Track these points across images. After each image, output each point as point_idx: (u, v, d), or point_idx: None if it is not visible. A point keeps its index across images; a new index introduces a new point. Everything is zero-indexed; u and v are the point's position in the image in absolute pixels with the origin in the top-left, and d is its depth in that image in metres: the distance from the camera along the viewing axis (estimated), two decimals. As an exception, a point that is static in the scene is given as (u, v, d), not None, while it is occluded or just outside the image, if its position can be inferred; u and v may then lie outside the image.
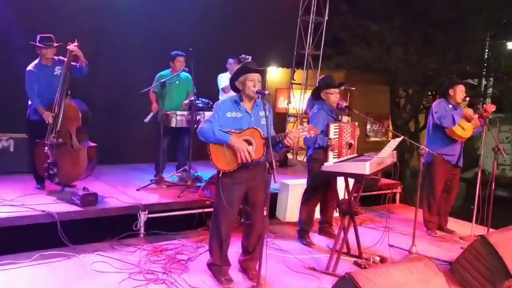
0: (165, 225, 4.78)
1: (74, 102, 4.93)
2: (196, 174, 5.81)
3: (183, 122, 5.58)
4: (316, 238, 4.96)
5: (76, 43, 4.84)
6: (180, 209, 4.96)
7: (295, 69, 9.31)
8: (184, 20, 7.13)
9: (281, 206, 5.65)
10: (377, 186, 6.43)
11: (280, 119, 9.49)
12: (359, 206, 5.35)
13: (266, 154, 3.45)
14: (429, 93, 12.64)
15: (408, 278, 2.93)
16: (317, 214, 5.01)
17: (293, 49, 8.93)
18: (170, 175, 5.81)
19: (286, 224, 5.44)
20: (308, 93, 8.35)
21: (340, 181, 4.54)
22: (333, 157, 4.62)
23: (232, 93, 5.08)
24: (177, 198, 5.08)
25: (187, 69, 5.78)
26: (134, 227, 4.62)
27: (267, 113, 3.45)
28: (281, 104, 10.93)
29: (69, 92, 4.91)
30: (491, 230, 4.90)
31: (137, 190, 5.32)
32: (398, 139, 4.31)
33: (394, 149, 4.39)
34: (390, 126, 12.92)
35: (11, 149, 5.91)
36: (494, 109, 5.09)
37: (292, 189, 5.55)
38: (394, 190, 6.73)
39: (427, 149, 4.78)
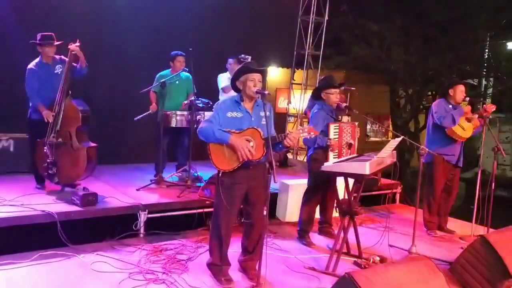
0: (165, 225, 4.78)
1: (74, 102, 4.93)
2: (196, 174, 5.82)
3: (183, 122, 5.59)
4: (316, 238, 4.96)
5: (78, 43, 4.85)
6: (180, 209, 4.96)
7: (295, 69, 9.31)
8: (184, 20, 7.13)
9: (281, 206, 5.65)
10: (377, 186, 6.43)
11: (280, 119, 9.49)
12: (359, 206, 5.37)
13: (266, 154, 3.45)
14: (429, 93, 12.66)
15: (408, 278, 2.93)
16: (317, 214, 5.01)
17: (293, 49, 8.93)
18: (170, 175, 5.81)
19: (286, 224, 5.44)
20: (308, 93, 8.36)
21: (340, 181, 4.54)
22: (333, 157, 4.62)
23: (231, 93, 5.07)
24: (177, 198, 5.08)
25: (187, 69, 5.79)
26: (134, 227, 4.62)
27: (267, 113, 3.46)
28: (281, 104, 10.93)
29: (70, 92, 4.91)
30: (491, 230, 4.89)
31: (137, 190, 5.32)
32: (398, 139, 4.31)
33: (394, 149, 4.39)
34: (390, 126, 12.92)
35: (11, 149, 5.91)
36: (494, 109, 5.09)
37: (292, 189, 5.55)
38: (394, 190, 6.73)
39: (427, 149, 4.79)
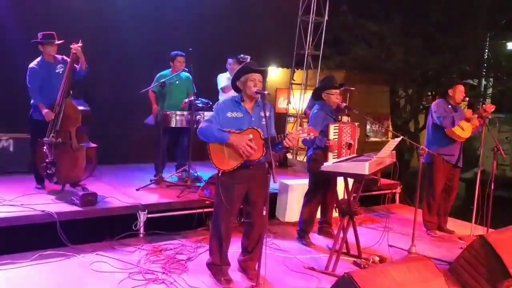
0: (164, 225, 4.78)
1: (75, 102, 4.92)
2: (195, 174, 5.82)
3: (183, 122, 5.59)
4: (315, 238, 4.96)
5: (80, 44, 4.85)
6: (179, 209, 4.96)
7: (295, 69, 9.30)
8: (184, 20, 7.13)
9: (281, 206, 5.65)
10: (376, 186, 6.44)
11: (280, 119, 9.48)
12: (358, 206, 5.37)
13: (265, 154, 3.45)
14: (429, 93, 12.65)
15: (407, 278, 2.94)
16: (317, 214, 5.01)
17: (293, 49, 8.92)
18: (170, 175, 5.81)
19: (285, 224, 5.44)
20: (308, 93, 8.36)
21: (340, 181, 4.54)
22: (333, 157, 4.62)
23: (231, 93, 5.07)
24: (176, 198, 5.08)
25: (187, 69, 5.79)
26: (133, 227, 4.62)
27: (268, 113, 3.46)
28: (281, 104, 10.92)
29: (71, 92, 4.91)
30: (490, 230, 4.89)
31: (137, 190, 5.32)
32: (397, 139, 4.32)
33: (394, 149, 4.39)
34: (390, 126, 12.92)
35: (11, 149, 5.91)
36: (494, 109, 5.10)
37: (292, 189, 5.55)
38: (394, 190, 6.73)
39: (427, 149, 4.79)
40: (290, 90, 9.40)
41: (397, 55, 11.71)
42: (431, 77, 12.00)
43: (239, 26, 7.72)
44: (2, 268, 3.68)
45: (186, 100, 5.77)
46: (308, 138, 3.74)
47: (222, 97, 6.28)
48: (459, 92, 5.18)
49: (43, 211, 4.23)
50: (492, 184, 4.89)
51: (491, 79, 12.84)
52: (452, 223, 5.69)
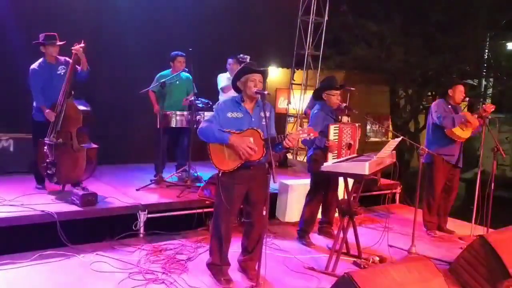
0: (164, 225, 4.78)
1: (76, 103, 4.90)
2: (195, 174, 5.82)
3: (183, 122, 5.59)
4: (315, 238, 4.97)
5: (82, 44, 4.85)
6: (179, 209, 4.96)
7: (295, 70, 9.30)
8: (184, 20, 7.13)
9: (281, 206, 5.65)
10: (376, 186, 6.44)
11: (280, 120, 9.48)
12: (358, 206, 5.37)
13: (266, 154, 3.45)
14: (429, 93, 12.65)
15: (407, 278, 2.94)
16: (317, 214, 5.02)
17: (293, 49, 8.92)
18: (170, 175, 5.81)
19: (285, 224, 5.44)
20: (308, 93, 8.37)
21: (340, 181, 4.54)
22: (333, 158, 4.62)
23: (230, 93, 5.07)
24: (176, 198, 5.08)
25: (187, 69, 5.79)
26: (133, 227, 4.62)
27: (268, 113, 3.45)
28: (281, 104, 10.92)
29: (72, 93, 4.90)
30: (490, 230, 4.90)
31: (137, 190, 5.32)
32: (397, 139, 4.32)
33: (394, 149, 4.39)
34: (390, 126, 12.92)
35: (11, 149, 5.91)
36: (494, 109, 5.10)
37: (292, 190, 5.55)
38: (394, 190, 6.73)
39: (427, 150, 4.79)
40: (290, 90, 9.41)
41: (397, 55, 11.71)
42: (431, 77, 12.01)
43: (239, 26, 7.72)
44: (2, 268, 3.68)
45: (188, 97, 5.76)
46: (308, 138, 3.74)
47: (222, 97, 6.29)
48: (459, 92, 5.19)
49: (43, 211, 4.23)
50: (492, 184, 4.89)
51: (491, 79, 12.85)
52: (452, 223, 5.69)
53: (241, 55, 6.16)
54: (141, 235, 4.65)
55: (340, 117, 4.92)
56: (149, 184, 5.53)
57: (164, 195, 5.18)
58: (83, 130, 4.97)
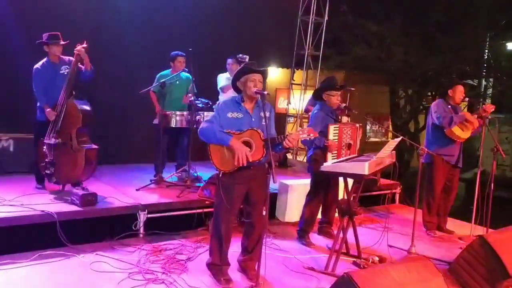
0: (164, 225, 4.78)
1: (77, 103, 4.88)
2: (195, 174, 5.82)
3: (183, 122, 5.59)
4: (315, 238, 4.97)
5: (84, 45, 4.86)
6: (179, 209, 4.96)
7: (295, 70, 9.31)
8: (184, 20, 7.13)
9: (281, 206, 5.65)
10: (376, 186, 6.45)
11: (280, 120, 9.49)
12: (358, 206, 5.37)
13: (266, 155, 3.46)
14: (429, 93, 12.66)
15: (407, 278, 2.94)
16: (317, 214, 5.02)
17: (293, 49, 8.92)
18: (170, 175, 5.81)
19: (285, 224, 5.44)
20: (308, 93, 8.37)
21: (340, 181, 4.54)
22: (332, 158, 4.63)
23: (230, 93, 5.07)
24: (176, 198, 5.08)
25: (187, 69, 5.79)
26: (133, 227, 4.62)
27: (267, 113, 3.46)
28: (281, 104, 10.93)
29: (73, 93, 4.90)
30: (490, 230, 4.90)
31: (137, 190, 5.32)
32: (397, 140, 4.32)
33: (393, 150, 4.39)
34: (390, 126, 12.92)
35: (11, 149, 5.91)
36: (493, 110, 5.10)
37: (292, 190, 5.55)
38: (394, 191, 6.73)
39: (426, 150, 4.80)
40: (290, 90, 9.41)
41: (397, 55, 11.71)
42: (431, 77, 12.01)
43: (239, 26, 7.72)
44: (2, 268, 3.68)
45: (189, 95, 5.75)
46: (308, 138, 3.74)
47: (221, 97, 6.29)
48: (459, 92, 5.19)
49: (43, 211, 4.23)
50: (492, 184, 4.89)
51: (491, 79, 12.85)
52: (452, 223, 5.69)
53: (240, 55, 6.16)
54: (141, 235, 4.65)
55: (340, 117, 4.93)
56: (149, 184, 5.53)
57: (164, 195, 5.19)
58: (84, 130, 4.95)
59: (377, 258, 4.33)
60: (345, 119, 5.07)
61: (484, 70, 12.43)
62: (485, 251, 3.80)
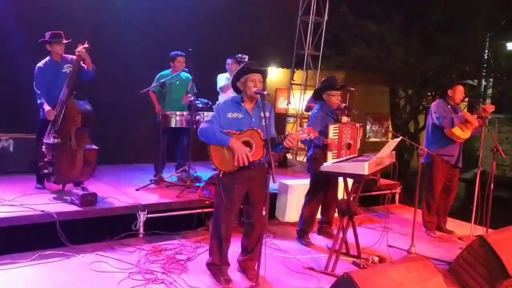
0: (164, 225, 4.78)
1: (77, 103, 4.86)
2: (195, 174, 5.82)
3: (183, 122, 5.59)
4: (315, 238, 4.97)
5: (86, 45, 4.86)
6: (179, 209, 4.96)
7: (295, 70, 9.31)
8: (184, 21, 7.13)
9: (281, 206, 5.65)
10: (376, 186, 6.45)
11: (280, 120, 9.49)
12: (357, 207, 5.37)
13: (266, 155, 3.46)
14: (429, 93, 12.66)
15: (407, 278, 2.94)
16: (317, 214, 5.02)
17: (292, 49, 8.92)
18: (170, 175, 5.81)
19: (285, 224, 5.44)
20: (308, 93, 8.37)
21: (339, 181, 4.54)
22: (332, 157, 4.63)
23: (229, 93, 5.06)
24: (176, 198, 5.08)
25: (187, 69, 5.79)
26: (133, 227, 4.62)
27: (267, 113, 3.46)
28: (281, 104, 10.94)
29: (74, 93, 4.89)
30: (490, 230, 4.90)
31: (137, 190, 5.32)
32: (397, 140, 4.32)
33: (393, 150, 4.40)
34: (390, 126, 12.93)
35: (11, 149, 5.91)
36: (493, 110, 5.10)
37: (292, 190, 5.55)
38: (394, 191, 6.74)
39: (426, 150, 4.80)
40: (290, 91, 9.41)
41: (397, 55, 11.72)
42: (431, 77, 12.00)
43: (239, 26, 7.73)
44: (2, 268, 3.68)
45: (189, 95, 5.75)
46: (308, 138, 3.74)
47: (221, 97, 6.30)
48: (459, 92, 5.19)
49: (43, 211, 4.22)
50: (492, 184, 4.89)
51: (491, 80, 12.84)
52: (452, 223, 5.69)
53: (240, 55, 6.16)
54: (141, 235, 4.65)
55: (340, 117, 4.93)
56: (148, 184, 5.53)
57: (164, 195, 5.19)
58: (84, 130, 4.93)
59: (377, 258, 4.33)
60: (345, 119, 5.07)
61: (484, 70, 12.43)
62: (485, 251, 3.80)
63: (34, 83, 4.94)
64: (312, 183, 4.88)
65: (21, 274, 3.64)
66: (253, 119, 3.57)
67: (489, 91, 12.98)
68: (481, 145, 5.14)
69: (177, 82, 5.84)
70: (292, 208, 5.48)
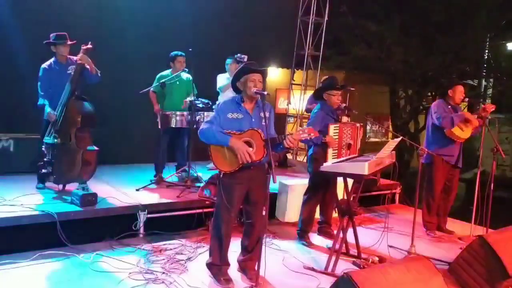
0: (164, 225, 4.79)
1: (77, 104, 4.86)
2: (195, 174, 5.82)
3: (183, 123, 5.59)
4: (315, 238, 4.97)
5: (89, 46, 4.86)
6: (179, 209, 4.96)
7: (295, 70, 9.32)
8: (184, 21, 7.14)
9: (281, 206, 5.66)
10: (376, 186, 6.45)
11: (280, 120, 9.50)
12: (357, 207, 5.37)
13: (266, 155, 3.46)
14: (429, 94, 12.65)
15: (407, 278, 2.94)
16: (316, 214, 5.02)
17: (293, 49, 8.94)
18: (170, 175, 5.81)
19: (285, 224, 5.45)
20: (308, 93, 8.37)
21: (339, 181, 4.55)
22: (332, 157, 4.63)
23: (227, 93, 5.05)
24: (176, 198, 5.09)
25: (187, 70, 5.79)
26: (133, 227, 4.63)
27: (267, 113, 3.46)
28: (281, 104, 10.94)
29: (75, 93, 4.89)
30: (490, 230, 4.90)
31: (137, 190, 5.33)
32: (397, 140, 4.32)
33: (393, 150, 4.40)
34: (390, 126, 12.92)
35: (11, 149, 5.91)
36: (494, 109, 5.10)
37: (292, 190, 5.55)
38: (394, 191, 6.74)
39: (426, 150, 4.80)
40: (290, 91, 9.42)
41: (397, 55, 11.70)
42: (431, 77, 11.99)
43: (239, 26, 7.73)
44: (2, 268, 3.68)
45: (187, 99, 5.76)
46: (308, 138, 3.74)
47: (220, 97, 6.30)
48: (459, 92, 5.20)
49: (43, 211, 4.23)
50: (492, 184, 4.89)
51: (491, 80, 12.83)
52: (452, 224, 5.69)
53: (239, 55, 6.17)
54: (141, 235, 4.66)
55: (340, 117, 4.93)
56: (148, 184, 5.53)
57: (164, 195, 5.19)
58: (84, 131, 4.92)
59: (377, 258, 4.33)
60: (345, 119, 5.08)
61: (484, 70, 12.41)
62: (485, 251, 3.80)
63: (38, 83, 4.95)
64: (311, 183, 4.88)
65: (21, 273, 3.65)
66: (253, 119, 3.57)
67: (489, 91, 12.97)
68: (481, 145, 5.14)
69: (177, 83, 5.84)
70: (292, 208, 5.48)
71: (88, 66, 4.86)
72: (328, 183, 4.75)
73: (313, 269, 4.12)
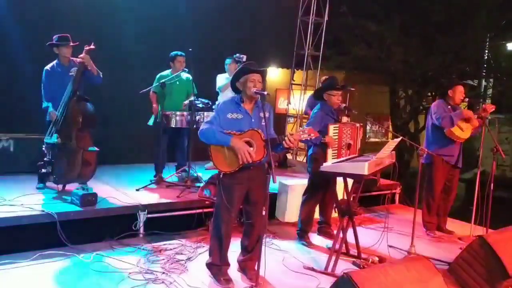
0: (164, 225, 4.79)
1: (78, 104, 4.84)
2: (195, 174, 5.82)
3: (183, 123, 5.59)
4: (315, 238, 4.97)
5: (92, 46, 4.87)
6: (179, 209, 4.96)
7: (295, 70, 9.32)
8: (184, 21, 7.14)
9: (281, 207, 5.66)
10: (376, 186, 6.45)
11: (280, 120, 9.50)
12: (357, 207, 5.37)
13: (266, 155, 3.46)
14: (429, 94, 12.65)
15: (406, 278, 2.94)
16: (316, 214, 5.02)
17: (293, 49, 8.94)
18: (170, 175, 5.81)
19: (285, 224, 5.45)
20: (308, 93, 8.38)
21: (339, 181, 4.55)
22: (332, 157, 4.63)
23: (226, 93, 5.05)
24: (176, 198, 5.09)
25: (187, 70, 5.79)
26: (133, 227, 4.63)
27: (266, 114, 3.46)
28: (281, 104, 10.95)
29: (77, 93, 4.89)
30: (489, 230, 4.90)
31: (137, 190, 5.33)
32: (397, 140, 4.32)
33: (393, 150, 4.40)
34: (390, 126, 12.93)
35: (11, 149, 5.91)
36: (493, 110, 5.10)
37: (292, 190, 5.56)
38: (394, 191, 6.74)
39: (426, 150, 4.80)
40: (290, 91, 9.42)
41: (397, 55, 11.70)
42: (431, 77, 11.99)
43: (239, 26, 7.74)
44: (2, 268, 3.68)
45: (186, 102, 5.77)
46: (308, 138, 3.75)
47: (220, 97, 6.30)
48: (459, 92, 5.20)
49: (43, 211, 4.23)
50: (492, 184, 4.89)
51: (491, 80, 12.83)
52: (452, 224, 5.69)
53: (237, 55, 6.17)
54: (141, 235, 4.66)
55: (340, 117, 4.94)
56: (148, 184, 5.54)
57: (164, 195, 5.19)
58: (85, 131, 4.91)
59: (377, 258, 4.33)
60: (345, 119, 5.08)
61: (484, 70, 12.41)
62: (484, 251, 3.80)
63: (42, 86, 4.96)
64: (310, 183, 4.88)
65: (21, 273, 3.65)
66: (253, 120, 3.57)
67: (489, 91, 12.97)
68: (481, 145, 5.14)
69: (177, 83, 5.84)
70: (292, 208, 5.48)
71: (88, 66, 4.86)
72: (327, 183, 4.75)
73: (313, 269, 4.12)
